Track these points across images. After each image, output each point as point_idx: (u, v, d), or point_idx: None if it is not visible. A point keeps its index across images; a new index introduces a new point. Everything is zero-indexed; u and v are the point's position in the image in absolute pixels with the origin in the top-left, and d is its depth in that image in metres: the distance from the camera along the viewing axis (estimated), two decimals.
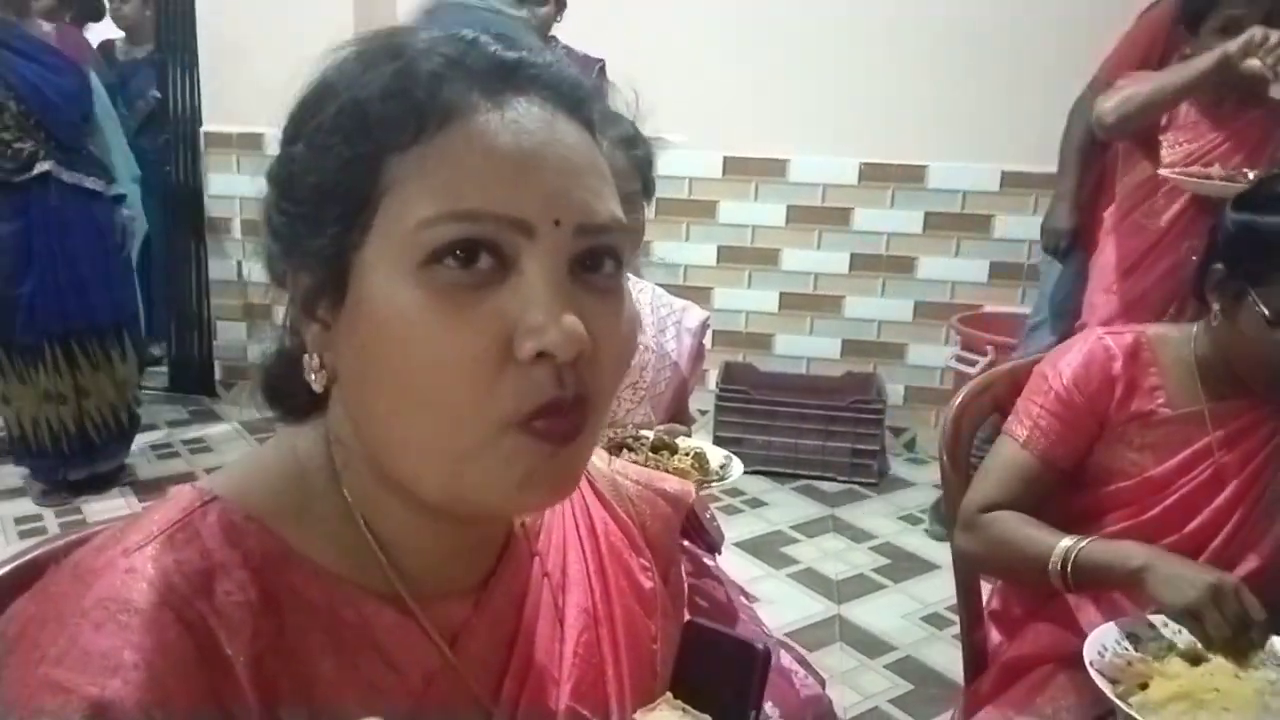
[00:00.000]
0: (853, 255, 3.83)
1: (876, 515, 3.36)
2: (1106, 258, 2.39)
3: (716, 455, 1.50)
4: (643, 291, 1.64)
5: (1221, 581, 1.15)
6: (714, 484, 1.45)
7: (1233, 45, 1.99)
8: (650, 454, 1.41)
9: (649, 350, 1.63)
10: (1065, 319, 2.70)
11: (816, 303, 3.91)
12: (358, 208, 0.55)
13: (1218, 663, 1.15)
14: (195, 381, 4.24)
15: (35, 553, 0.78)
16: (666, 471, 1.36)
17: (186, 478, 0.69)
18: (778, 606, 2.73)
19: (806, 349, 3.96)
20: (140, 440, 3.59)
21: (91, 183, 3.06)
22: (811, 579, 2.91)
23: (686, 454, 1.44)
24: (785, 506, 3.40)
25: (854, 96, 3.67)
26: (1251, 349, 1.27)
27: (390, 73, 0.56)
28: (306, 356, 0.60)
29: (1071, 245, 2.75)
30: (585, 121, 0.60)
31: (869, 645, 2.58)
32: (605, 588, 0.72)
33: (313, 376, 0.60)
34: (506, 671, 0.65)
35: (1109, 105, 2.22)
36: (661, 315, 1.69)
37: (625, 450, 1.42)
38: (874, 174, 3.75)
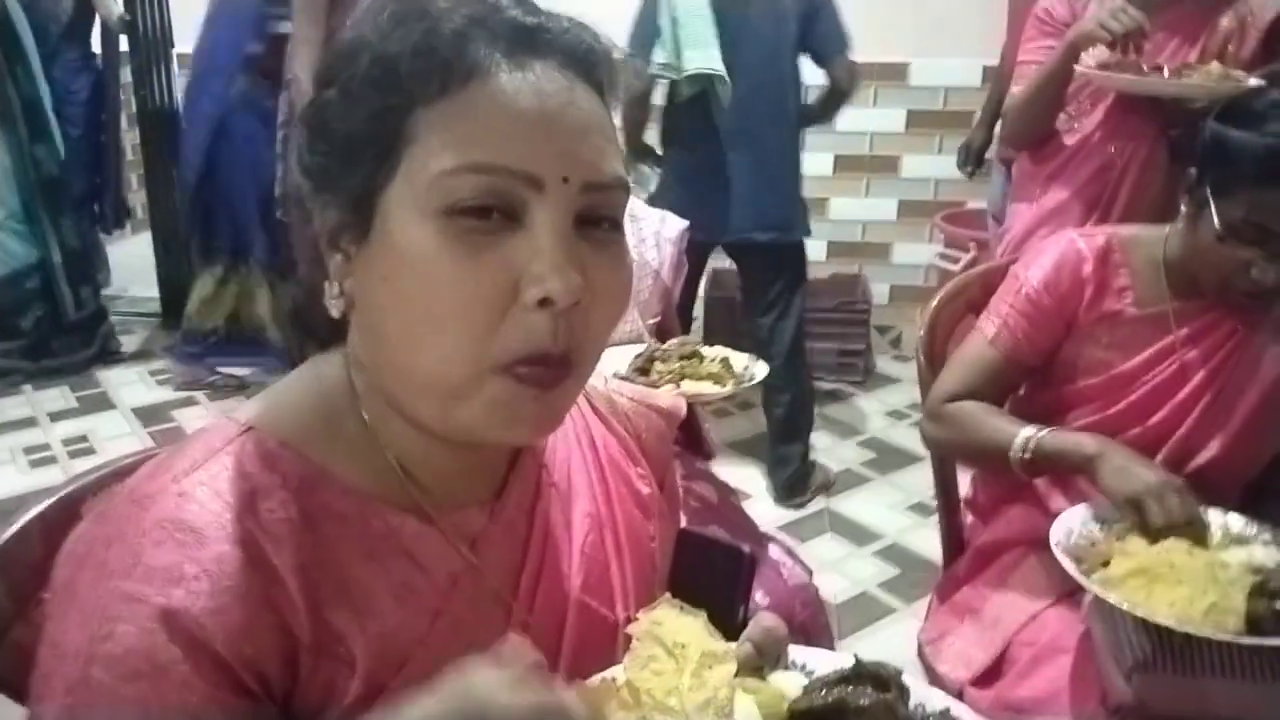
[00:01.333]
0: (836, 157, 3.84)
1: (864, 412, 3.46)
2: (1025, 165, 2.25)
3: (740, 359, 1.59)
4: None
5: (1166, 479, 1.22)
6: (745, 385, 1.52)
7: (1087, 28, 1.86)
8: (681, 360, 1.50)
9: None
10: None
11: None
12: (385, 153, 0.60)
13: (1173, 541, 1.24)
14: (185, 305, 4.25)
15: (85, 480, 0.85)
16: (699, 376, 1.45)
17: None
18: (769, 502, 2.84)
19: None
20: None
21: None
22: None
23: (713, 359, 1.53)
24: None
25: None
26: (1204, 256, 1.31)
27: (419, 30, 0.60)
28: (327, 284, 0.65)
29: (980, 161, 2.94)
30: (596, 84, 0.64)
31: (858, 534, 2.70)
32: (606, 494, 0.79)
33: (332, 302, 0.65)
34: (523, 570, 0.72)
35: (1006, 133, 2.26)
36: (641, 225, 1.72)
37: (655, 362, 1.49)
38: (871, 73, 3.71)
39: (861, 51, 3.65)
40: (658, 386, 1.44)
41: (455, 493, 0.70)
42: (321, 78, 0.65)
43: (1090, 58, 1.94)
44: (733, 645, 0.67)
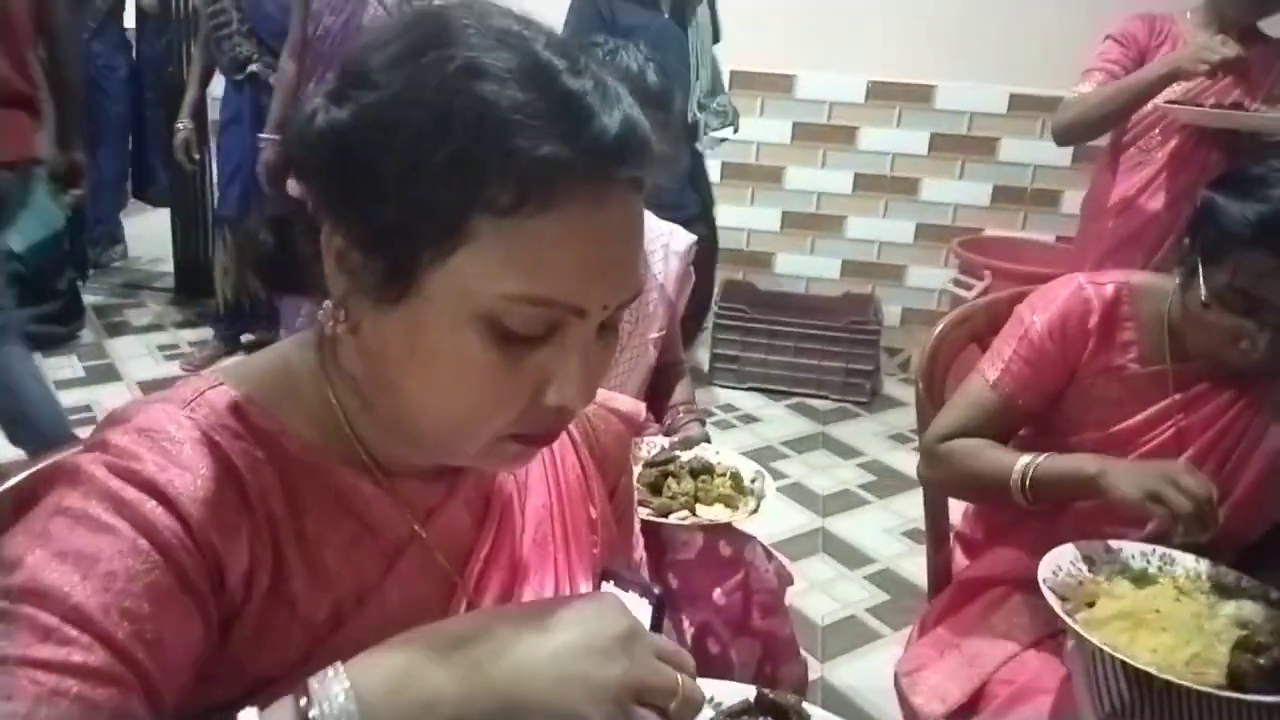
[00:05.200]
0: (856, 175, 3.83)
1: (866, 433, 3.43)
2: (1100, 193, 2.39)
3: (748, 469, 1.61)
4: None
5: (1171, 465, 1.22)
6: (754, 511, 1.54)
7: (1185, 60, 2.02)
8: (693, 480, 1.53)
9: None
10: None
11: (818, 222, 3.93)
12: (440, 237, 0.58)
13: (1160, 587, 1.23)
14: (201, 283, 4.28)
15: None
16: (710, 500, 1.50)
17: None
18: (764, 518, 2.81)
19: (806, 269, 3.99)
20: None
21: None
22: (798, 493, 3.00)
23: (723, 476, 1.56)
24: (777, 423, 3.48)
25: (863, 13, 3.61)
26: (1194, 324, 1.30)
27: (505, 126, 0.56)
28: (328, 305, 0.64)
29: None
30: (643, 185, 0.63)
31: (850, 557, 2.68)
32: (559, 492, 0.82)
33: (331, 323, 0.64)
34: (473, 550, 0.74)
35: (1064, 117, 2.26)
36: (650, 238, 1.71)
37: (669, 479, 1.52)
38: (881, 92, 3.72)
39: (888, 72, 3.68)
40: (670, 511, 1.47)
41: (411, 462, 0.71)
42: (392, 94, 0.59)
43: (1165, 92, 2.13)
44: None
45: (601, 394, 0.89)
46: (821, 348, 3.63)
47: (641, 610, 0.74)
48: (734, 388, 3.68)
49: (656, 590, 0.63)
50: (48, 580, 0.55)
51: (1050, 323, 1.38)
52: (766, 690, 0.72)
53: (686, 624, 1.47)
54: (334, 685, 0.54)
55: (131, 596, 0.56)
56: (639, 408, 0.91)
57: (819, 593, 2.49)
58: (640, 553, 0.97)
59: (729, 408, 3.53)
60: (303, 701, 0.53)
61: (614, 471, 0.88)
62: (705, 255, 3.09)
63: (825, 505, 2.94)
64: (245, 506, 0.63)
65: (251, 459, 0.65)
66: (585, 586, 0.79)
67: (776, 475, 3.09)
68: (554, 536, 0.79)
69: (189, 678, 0.60)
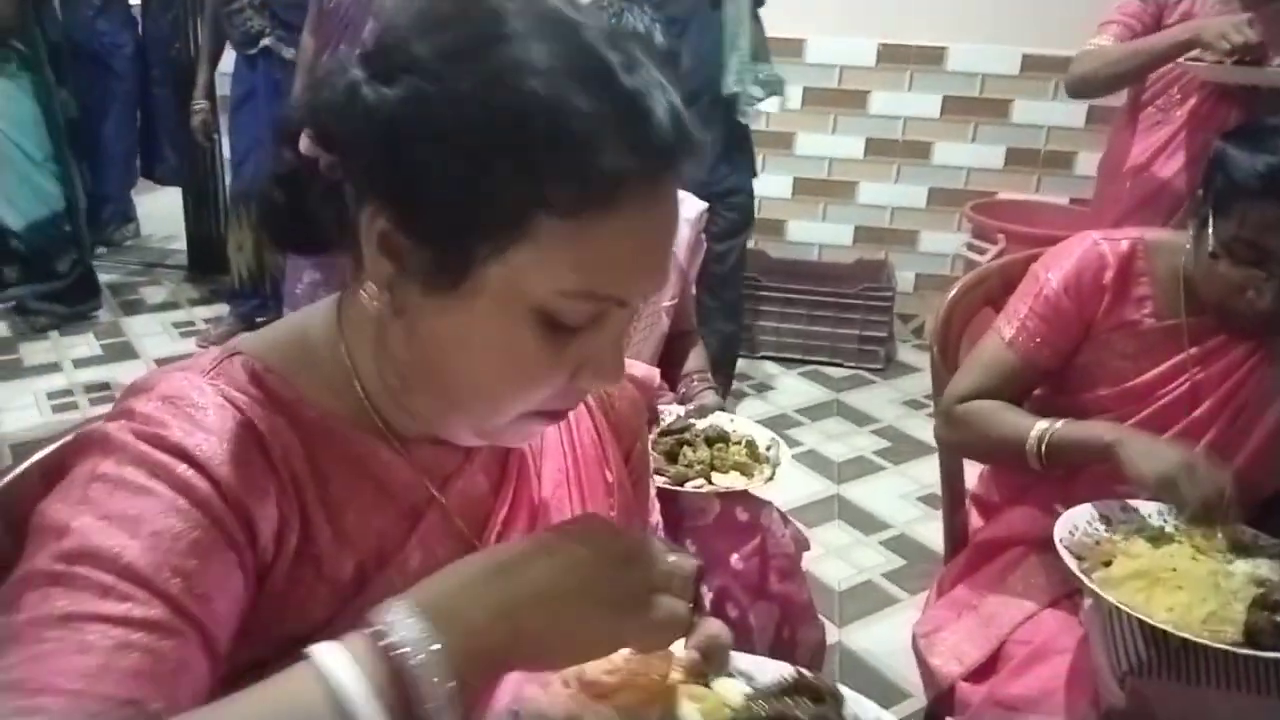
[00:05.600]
0: (868, 140, 3.79)
1: (881, 400, 3.43)
2: (1118, 153, 2.37)
3: (763, 436, 1.61)
4: None
5: (1193, 454, 1.22)
6: (769, 471, 1.54)
7: (1208, 32, 2.00)
8: (709, 448, 1.54)
9: None
10: None
11: (830, 188, 3.90)
12: (497, 235, 0.59)
13: (1177, 545, 1.23)
14: (214, 260, 4.30)
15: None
16: (726, 467, 1.51)
17: None
18: (780, 485, 2.82)
19: (819, 235, 3.96)
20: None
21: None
22: (814, 460, 3.00)
23: (738, 442, 1.57)
24: (792, 391, 3.48)
25: None
26: (1205, 275, 1.30)
27: (571, 132, 0.57)
28: (369, 285, 0.64)
29: None
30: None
31: (865, 523, 2.69)
32: (574, 454, 0.83)
33: (375, 304, 0.65)
34: (491, 514, 0.76)
35: (1080, 69, 2.23)
36: None
37: (685, 447, 1.53)
38: (892, 55, 3.67)
39: (899, 34, 3.64)
40: (686, 479, 1.48)
41: (428, 430, 0.72)
42: (453, 74, 0.58)
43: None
44: (679, 651, 0.71)
45: None
46: (835, 315, 3.62)
47: None
48: (747, 356, 3.67)
49: (695, 561, 0.64)
50: (98, 542, 0.57)
51: (1066, 279, 1.38)
52: (804, 670, 0.73)
53: (705, 589, 1.49)
54: (400, 612, 0.55)
55: (178, 554, 0.58)
56: (653, 374, 0.93)
57: (835, 558, 2.51)
58: (656, 516, 0.98)
59: (743, 376, 3.53)
60: (372, 630, 0.54)
61: (629, 436, 0.90)
62: (739, 227, 3.08)
63: (840, 472, 2.95)
64: (270, 468, 0.65)
65: (273, 423, 0.66)
66: None
67: (791, 443, 3.09)
68: (570, 499, 0.81)
69: (236, 631, 0.62)
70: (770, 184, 3.92)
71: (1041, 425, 1.32)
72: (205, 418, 0.63)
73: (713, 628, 0.72)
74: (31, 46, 3.49)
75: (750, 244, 3.92)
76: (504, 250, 0.59)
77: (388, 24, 0.63)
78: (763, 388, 3.50)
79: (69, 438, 0.83)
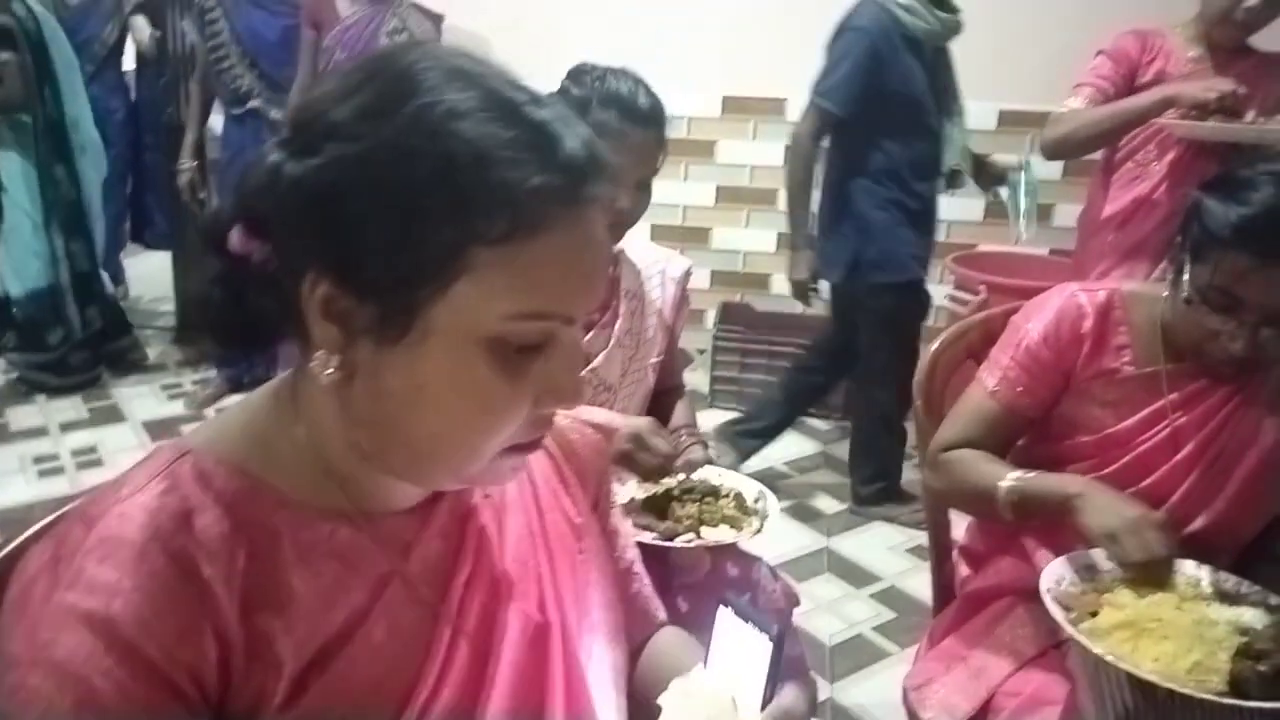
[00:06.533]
0: None
1: None
2: (1097, 210, 2.41)
3: (751, 489, 1.62)
4: (629, 241, 1.69)
5: (1144, 514, 1.23)
6: (758, 532, 1.53)
7: (1187, 92, 2.08)
8: (702, 504, 1.54)
9: (635, 298, 1.69)
10: None
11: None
12: (439, 275, 0.61)
13: (1162, 595, 1.24)
14: (200, 322, 4.30)
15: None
16: (715, 521, 1.50)
17: None
18: (769, 538, 2.82)
19: None
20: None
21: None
22: (803, 513, 3.01)
23: (726, 495, 1.58)
24: (780, 444, 3.46)
25: None
26: (1181, 321, 1.33)
27: (490, 166, 0.61)
28: (320, 354, 0.65)
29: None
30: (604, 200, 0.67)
31: (855, 575, 2.69)
32: (537, 504, 0.84)
33: (326, 372, 0.65)
34: (454, 577, 0.76)
35: (1057, 132, 2.29)
36: (647, 263, 1.74)
37: (673, 503, 1.53)
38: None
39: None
40: (676, 535, 1.47)
41: (389, 503, 0.74)
42: (371, 132, 0.62)
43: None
44: None
45: (579, 410, 0.91)
46: None
47: (759, 645, 0.76)
48: (735, 409, 3.68)
49: (775, 628, 0.65)
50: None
51: (1045, 330, 1.41)
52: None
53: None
54: None
55: None
56: (613, 419, 0.94)
57: (826, 613, 2.50)
58: (631, 556, 0.99)
59: None
60: None
61: (595, 481, 0.92)
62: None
63: (829, 525, 2.95)
64: (203, 599, 0.64)
65: (220, 539, 0.66)
66: (571, 597, 0.81)
67: (781, 496, 3.06)
68: (535, 551, 0.81)
69: None
70: (754, 239, 3.98)
71: (1013, 476, 1.33)
72: (134, 568, 0.62)
73: (786, 700, 0.75)
74: (37, 122, 3.54)
75: (735, 298, 3.98)
76: (446, 288, 0.61)
77: (299, 106, 0.67)
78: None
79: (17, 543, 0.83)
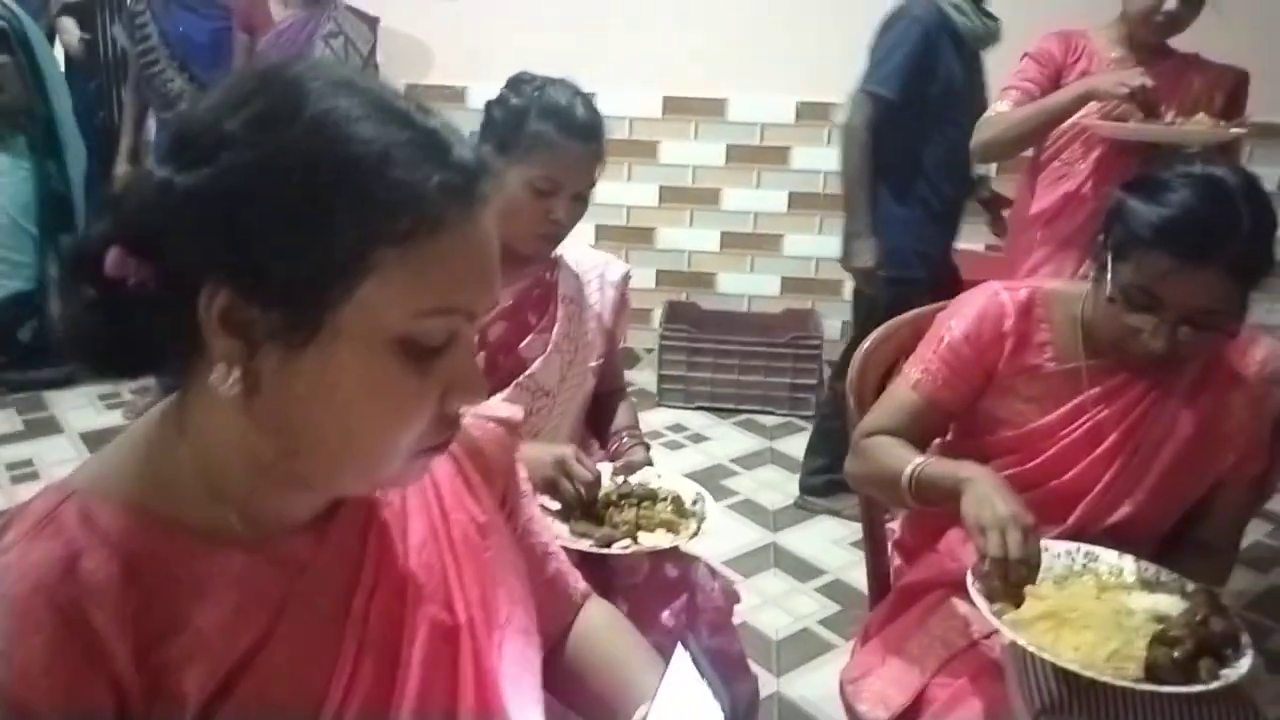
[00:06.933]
0: (791, 194, 3.91)
1: None
2: (1025, 207, 2.46)
3: (689, 491, 1.62)
4: (567, 248, 1.70)
5: (1018, 517, 1.21)
6: (695, 535, 1.54)
7: (1103, 84, 2.12)
8: (639, 509, 1.54)
9: (574, 303, 1.70)
10: None
11: (757, 241, 4.00)
12: (345, 276, 0.62)
13: (1082, 585, 1.28)
14: None
15: None
16: (653, 525, 1.50)
17: None
18: (716, 536, 2.84)
19: (747, 287, 4.06)
20: None
21: None
22: (749, 509, 3.04)
23: (664, 499, 1.57)
24: (726, 440, 3.53)
25: (796, 33, 3.70)
26: (1102, 318, 1.37)
27: (389, 167, 0.62)
28: (219, 368, 0.64)
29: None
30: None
31: (801, 570, 2.72)
32: (442, 509, 0.84)
33: (228, 384, 0.64)
34: (355, 591, 0.75)
35: (984, 136, 2.34)
36: (586, 268, 1.75)
37: (610, 508, 1.52)
38: (810, 113, 3.80)
39: (815, 92, 3.76)
40: (613, 541, 1.47)
41: (284, 521, 0.73)
42: (271, 145, 0.62)
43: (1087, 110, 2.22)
44: None
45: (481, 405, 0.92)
46: (766, 364, 3.69)
47: (707, 708, 0.74)
48: (682, 407, 3.72)
49: (725, 704, 0.65)
50: None
51: (967, 327, 1.45)
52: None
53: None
54: None
55: None
56: (517, 412, 0.95)
57: (772, 607, 2.53)
58: (546, 539, 0.99)
59: (678, 427, 3.58)
60: None
61: (500, 476, 0.92)
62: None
63: (776, 520, 2.99)
64: (93, 648, 0.63)
65: (107, 581, 0.64)
66: (478, 594, 0.81)
67: (727, 493, 3.13)
68: (440, 553, 0.82)
69: None
70: (699, 238, 4.02)
71: (916, 461, 1.36)
72: (16, 630, 0.61)
73: None
74: (36, 125, 3.50)
75: (682, 297, 4.01)
76: (353, 290, 0.62)
77: (184, 120, 0.66)
78: (698, 438, 3.53)
79: None
